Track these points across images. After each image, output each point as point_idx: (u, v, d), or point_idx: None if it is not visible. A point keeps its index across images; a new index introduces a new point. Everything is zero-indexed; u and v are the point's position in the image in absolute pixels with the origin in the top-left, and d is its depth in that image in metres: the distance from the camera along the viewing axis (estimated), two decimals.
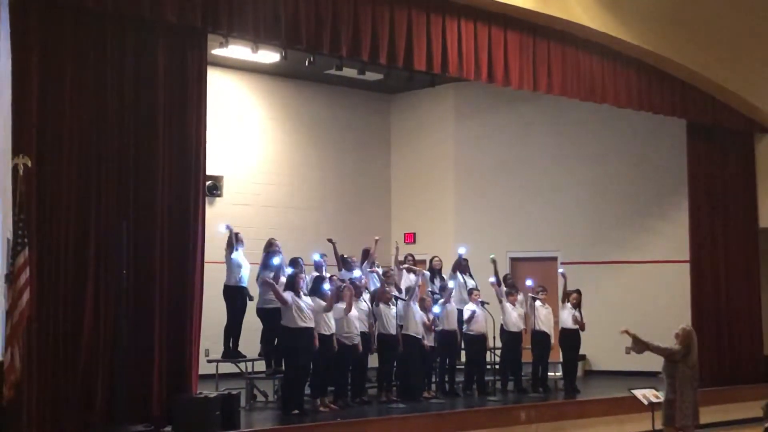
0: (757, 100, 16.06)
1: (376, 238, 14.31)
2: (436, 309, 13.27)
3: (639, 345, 10.27)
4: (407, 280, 13.96)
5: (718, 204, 16.27)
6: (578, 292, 14.71)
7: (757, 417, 8.20)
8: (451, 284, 13.97)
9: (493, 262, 14.59)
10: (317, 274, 12.61)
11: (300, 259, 12.67)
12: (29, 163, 8.91)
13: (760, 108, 16.15)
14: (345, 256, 13.89)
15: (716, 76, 15.40)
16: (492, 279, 14.35)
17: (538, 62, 13.30)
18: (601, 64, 14.12)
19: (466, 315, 13.80)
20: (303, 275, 12.00)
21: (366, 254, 13.90)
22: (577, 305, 14.56)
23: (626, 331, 10.31)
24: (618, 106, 14.74)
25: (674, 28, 14.79)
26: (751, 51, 15.89)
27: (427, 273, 14.46)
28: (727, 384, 15.23)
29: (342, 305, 11.99)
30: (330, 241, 13.56)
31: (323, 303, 11.72)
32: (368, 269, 13.65)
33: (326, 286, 11.84)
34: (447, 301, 13.57)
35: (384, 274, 13.44)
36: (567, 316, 14.58)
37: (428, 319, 13.10)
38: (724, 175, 16.38)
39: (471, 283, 14.43)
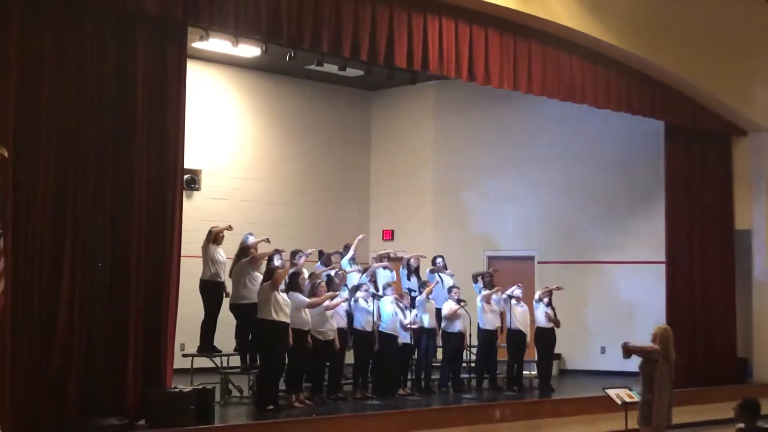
0: (735, 103, 16.16)
1: (360, 236, 14.34)
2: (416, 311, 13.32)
3: (624, 350, 10.29)
4: (384, 276, 13.97)
5: (694, 205, 16.36)
6: (549, 289, 14.82)
7: (730, 418, 8.23)
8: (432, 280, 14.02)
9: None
10: (294, 269, 12.58)
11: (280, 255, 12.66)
12: (6, 154, 8.84)
13: (737, 110, 16.27)
14: (323, 251, 13.92)
15: (695, 78, 15.49)
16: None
17: (519, 62, 13.33)
18: (581, 64, 14.17)
19: (445, 311, 13.82)
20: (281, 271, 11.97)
21: (346, 249, 13.97)
22: (549, 303, 14.63)
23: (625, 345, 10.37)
24: (597, 106, 14.79)
25: (654, 30, 14.86)
26: (731, 54, 15.98)
27: (404, 270, 14.49)
28: (701, 384, 15.32)
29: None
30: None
31: (303, 299, 11.71)
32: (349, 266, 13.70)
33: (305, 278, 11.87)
34: (429, 293, 13.64)
35: (335, 275, 13.28)
36: (541, 314, 14.63)
37: (404, 317, 13.10)
38: (701, 176, 16.47)
39: (449, 281, 14.46)
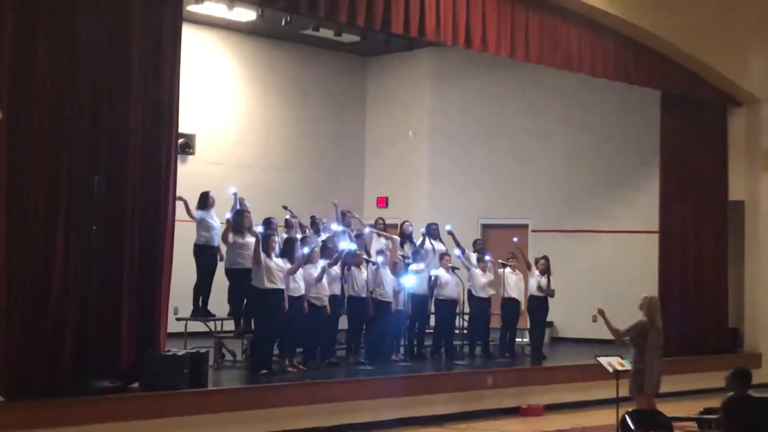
0: (732, 74, 16.12)
1: (334, 201, 14.26)
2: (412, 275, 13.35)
3: (613, 333, 10.34)
4: (378, 243, 13.99)
5: (689, 176, 16.34)
6: (546, 258, 14.75)
7: (720, 387, 8.29)
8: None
9: (451, 234, 14.64)
10: (288, 235, 12.60)
11: (273, 220, 12.67)
12: (1, 117, 8.79)
13: (734, 82, 16.22)
14: (315, 217, 13.93)
15: (692, 48, 15.42)
16: (456, 252, 14.37)
17: (516, 29, 13.25)
18: (579, 33, 14.08)
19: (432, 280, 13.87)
20: (275, 236, 11.99)
21: (343, 216, 13.99)
22: (545, 271, 14.61)
23: (601, 312, 10.41)
24: (594, 75, 14.73)
25: (652, 0, 14.78)
26: (727, 25, 15.93)
27: (397, 238, 14.51)
28: (692, 354, 15.41)
29: (313, 267, 12.03)
30: (285, 208, 13.52)
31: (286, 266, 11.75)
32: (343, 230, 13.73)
33: (305, 250, 11.82)
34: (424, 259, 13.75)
35: (356, 236, 13.49)
36: (534, 282, 14.64)
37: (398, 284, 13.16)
38: (696, 147, 16.45)
39: (441, 249, 14.48)
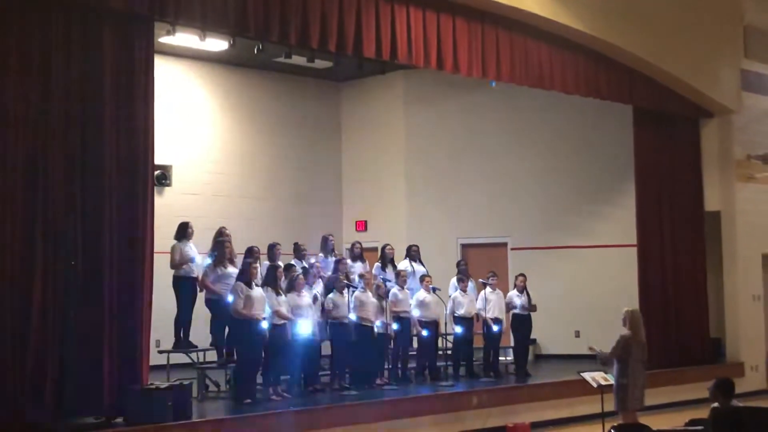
0: (703, 86, 16.26)
1: (325, 235, 14.36)
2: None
3: (602, 358, 10.42)
4: (356, 267, 13.99)
5: (664, 188, 16.44)
6: (523, 275, 14.82)
7: (704, 398, 8.33)
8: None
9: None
10: (269, 263, 12.58)
11: (255, 248, 12.64)
12: None
13: (705, 93, 16.36)
14: (299, 243, 13.92)
15: (662, 62, 15.56)
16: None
17: (487, 49, 13.34)
18: (549, 51, 14.19)
19: (413, 303, 13.84)
20: (257, 265, 11.96)
21: (324, 241, 14.01)
22: (523, 288, 14.67)
23: (591, 348, 10.54)
24: (566, 92, 14.83)
25: (621, 15, 14.91)
26: (697, 38, 16.09)
27: (377, 264, 14.53)
28: (675, 366, 15.46)
29: (296, 296, 12.03)
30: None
31: (274, 303, 11.71)
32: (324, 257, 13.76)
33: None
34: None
35: (337, 262, 13.48)
36: (516, 301, 14.66)
37: (382, 307, 13.13)
38: (670, 160, 16.56)
39: (421, 270, 14.49)
